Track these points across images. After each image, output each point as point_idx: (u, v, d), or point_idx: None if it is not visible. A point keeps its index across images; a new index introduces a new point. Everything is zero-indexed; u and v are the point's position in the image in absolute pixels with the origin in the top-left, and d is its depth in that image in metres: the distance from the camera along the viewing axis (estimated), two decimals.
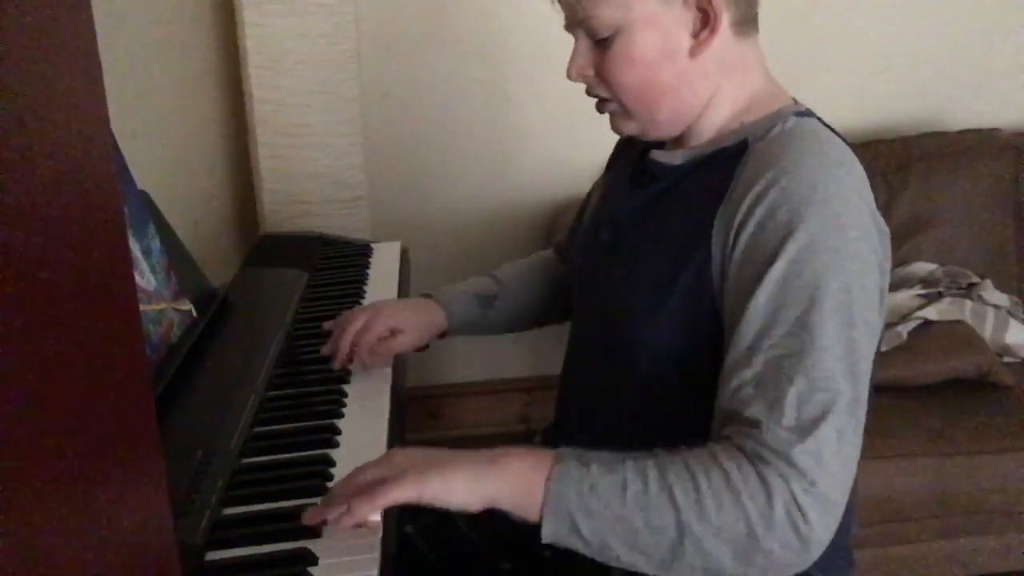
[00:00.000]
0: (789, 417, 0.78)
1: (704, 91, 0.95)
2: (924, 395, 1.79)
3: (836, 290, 0.81)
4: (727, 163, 0.92)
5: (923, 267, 2.08)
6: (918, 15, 2.22)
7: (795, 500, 0.76)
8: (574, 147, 2.17)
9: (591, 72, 0.97)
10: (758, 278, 0.83)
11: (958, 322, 1.88)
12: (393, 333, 1.18)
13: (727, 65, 0.95)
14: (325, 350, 1.18)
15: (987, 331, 1.91)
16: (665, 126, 0.98)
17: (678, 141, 1.01)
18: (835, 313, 0.81)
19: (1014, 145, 2.17)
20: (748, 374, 0.82)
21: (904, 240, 2.10)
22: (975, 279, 2.03)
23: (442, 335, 1.25)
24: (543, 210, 2.24)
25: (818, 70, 2.21)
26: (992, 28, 2.25)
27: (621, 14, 0.92)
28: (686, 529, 0.77)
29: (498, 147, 2.21)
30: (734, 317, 0.85)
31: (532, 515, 0.81)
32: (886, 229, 0.91)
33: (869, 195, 0.90)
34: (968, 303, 1.95)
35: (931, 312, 1.90)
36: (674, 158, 0.99)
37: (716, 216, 0.89)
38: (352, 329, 1.16)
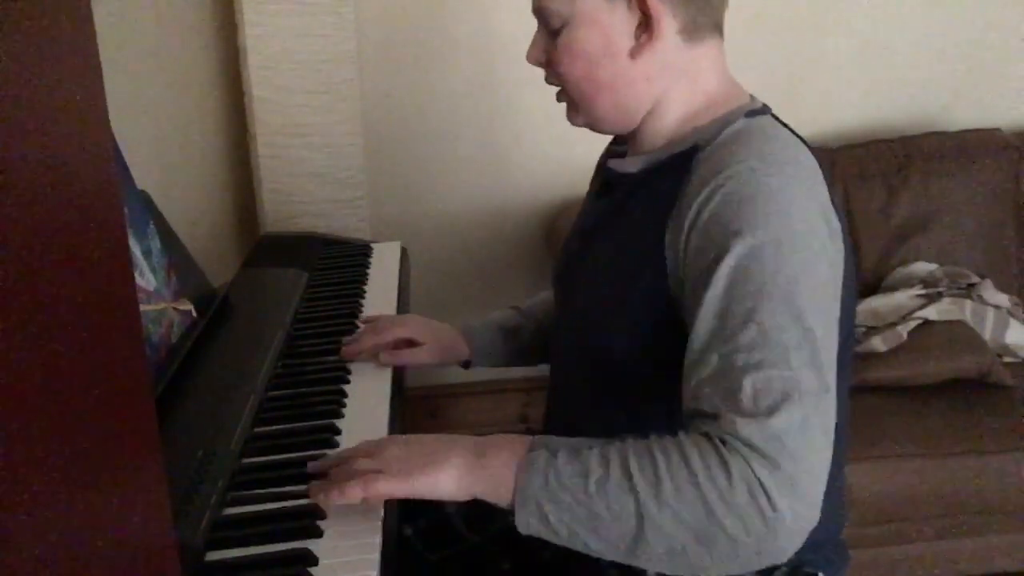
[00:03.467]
0: (747, 404, 0.77)
1: (647, 93, 0.96)
2: (924, 395, 1.79)
3: (783, 282, 0.81)
4: (678, 169, 0.93)
5: (923, 267, 2.07)
6: (919, 15, 2.22)
7: (759, 481, 0.74)
8: (573, 147, 2.15)
9: (544, 59, 1.00)
10: (707, 279, 0.83)
11: (958, 322, 1.88)
12: (412, 344, 1.24)
13: (673, 70, 0.95)
14: (347, 340, 1.24)
15: (987, 331, 1.91)
16: (606, 123, 1.00)
17: (633, 148, 1.02)
18: (783, 304, 0.80)
19: (1014, 145, 2.17)
20: (705, 372, 0.81)
21: (904, 240, 2.10)
22: (975, 279, 2.02)
23: (466, 365, 1.30)
24: (542, 210, 2.24)
25: (818, 70, 2.20)
26: (993, 28, 2.25)
27: (567, 8, 0.94)
28: (646, 513, 0.76)
29: (498, 147, 2.21)
30: (690, 319, 0.85)
31: (507, 505, 0.82)
32: (838, 226, 0.90)
33: (821, 192, 0.89)
34: (968, 303, 1.95)
35: (931, 312, 1.90)
36: (629, 166, 1.00)
37: (667, 223, 0.90)
38: (376, 328, 1.24)
